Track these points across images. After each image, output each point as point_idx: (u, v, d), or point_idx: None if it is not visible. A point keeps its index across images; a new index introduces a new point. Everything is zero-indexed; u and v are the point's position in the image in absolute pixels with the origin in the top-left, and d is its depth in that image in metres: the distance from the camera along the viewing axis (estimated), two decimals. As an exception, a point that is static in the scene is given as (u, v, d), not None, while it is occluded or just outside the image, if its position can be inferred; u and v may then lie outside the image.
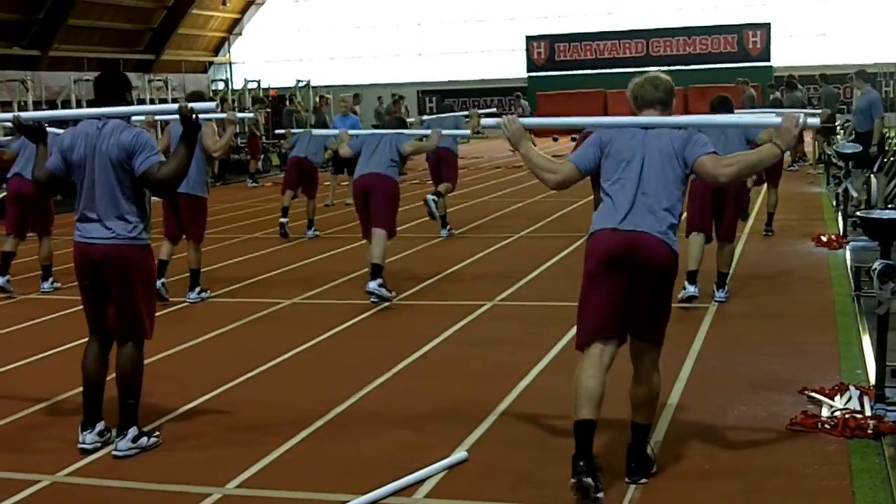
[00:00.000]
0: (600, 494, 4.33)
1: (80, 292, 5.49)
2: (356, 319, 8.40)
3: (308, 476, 4.91)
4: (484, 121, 5.70)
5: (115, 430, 5.34)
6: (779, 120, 4.69)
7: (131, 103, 5.66)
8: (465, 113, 14.31)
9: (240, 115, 10.74)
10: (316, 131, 13.09)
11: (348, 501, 4.48)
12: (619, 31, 38.41)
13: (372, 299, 8.87)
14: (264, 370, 6.89)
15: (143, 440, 5.33)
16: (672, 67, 36.94)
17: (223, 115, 8.90)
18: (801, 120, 4.60)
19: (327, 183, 17.59)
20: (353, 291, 9.49)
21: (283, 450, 5.25)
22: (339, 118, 17.80)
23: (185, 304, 9.22)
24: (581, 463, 4.34)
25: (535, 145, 5.23)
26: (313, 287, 9.83)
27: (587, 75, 38.53)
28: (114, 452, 5.27)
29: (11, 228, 10.20)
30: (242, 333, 8.16)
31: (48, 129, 5.94)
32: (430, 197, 12.10)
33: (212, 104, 6.32)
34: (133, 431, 5.30)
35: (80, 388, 6.10)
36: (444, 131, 11.03)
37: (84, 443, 5.30)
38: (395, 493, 4.59)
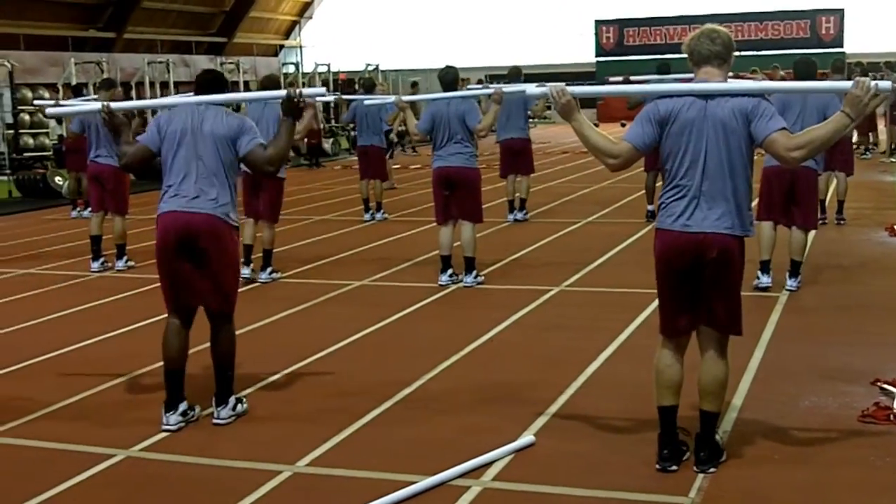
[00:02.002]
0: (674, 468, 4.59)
1: (161, 267, 5.51)
2: (424, 302, 8.46)
3: (376, 456, 4.96)
4: (530, 90, 5.57)
5: (214, 401, 5.52)
6: (850, 84, 4.37)
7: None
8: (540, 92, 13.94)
9: (329, 97, 10.41)
10: (368, 101, 12.63)
11: (416, 482, 4.52)
12: (690, 15, 37.96)
13: (440, 282, 8.99)
14: (334, 350, 6.98)
15: (240, 406, 5.59)
16: (743, 53, 36.45)
17: (332, 97, 8.55)
18: (871, 85, 4.29)
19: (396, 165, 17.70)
20: (422, 274, 9.56)
21: (352, 429, 5.32)
22: None
23: (257, 283, 9.36)
24: (665, 451, 4.59)
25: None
26: (382, 269, 9.91)
27: (656, 60, 38.10)
28: (215, 421, 5.47)
29: (95, 206, 10.70)
30: (313, 314, 8.26)
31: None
32: None
33: (322, 89, 6.48)
34: (232, 400, 5.53)
35: (154, 365, 6.29)
36: (507, 88, 10.25)
37: (168, 424, 5.41)
38: (462, 476, 4.62)
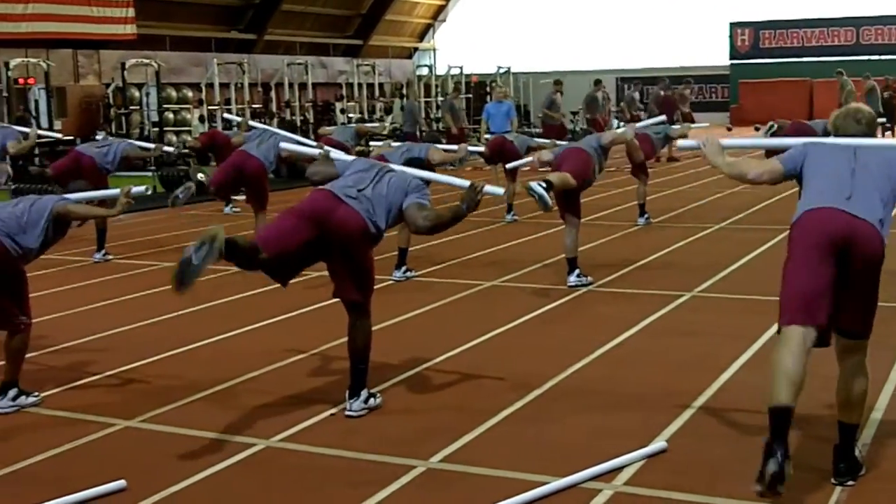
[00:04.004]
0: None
1: (291, 213, 5.76)
2: (554, 304, 8.49)
3: (508, 455, 5.02)
4: (681, 143, 5.74)
5: (348, 393, 5.70)
6: None
7: None
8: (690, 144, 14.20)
9: (499, 190, 9.75)
10: (518, 162, 12.73)
11: (547, 483, 4.56)
12: (828, 18, 36.88)
13: (569, 284, 9.07)
14: (465, 349, 7.08)
15: (372, 400, 5.74)
16: (883, 57, 35.27)
17: (500, 191, 7.86)
18: None
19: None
20: (551, 276, 9.58)
21: (484, 427, 5.40)
22: (494, 105, 17.64)
23: (391, 281, 9.54)
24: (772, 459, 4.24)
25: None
26: (512, 270, 9.98)
27: (792, 63, 37.27)
28: (347, 413, 5.64)
29: (215, 182, 10.98)
30: (445, 312, 8.39)
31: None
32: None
33: (500, 189, 6.93)
34: (364, 394, 5.70)
35: (294, 358, 6.52)
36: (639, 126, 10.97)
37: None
38: (593, 479, 4.64)
